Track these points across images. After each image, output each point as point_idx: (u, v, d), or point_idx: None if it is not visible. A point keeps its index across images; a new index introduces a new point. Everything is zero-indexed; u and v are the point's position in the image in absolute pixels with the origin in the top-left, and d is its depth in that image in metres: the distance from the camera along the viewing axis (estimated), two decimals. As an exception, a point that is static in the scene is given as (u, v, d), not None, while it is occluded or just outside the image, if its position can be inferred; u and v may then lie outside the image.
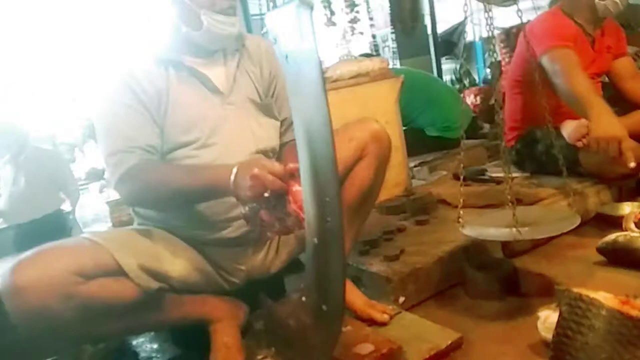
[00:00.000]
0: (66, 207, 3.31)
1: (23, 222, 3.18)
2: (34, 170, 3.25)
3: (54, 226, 3.25)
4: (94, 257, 1.04)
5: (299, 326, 1.03)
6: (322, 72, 0.77)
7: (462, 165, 1.51)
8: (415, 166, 2.83)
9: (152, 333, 1.37)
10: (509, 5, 2.88)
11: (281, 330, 1.13)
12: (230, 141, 1.21)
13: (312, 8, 0.75)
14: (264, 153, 1.27)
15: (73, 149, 8.31)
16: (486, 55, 9.23)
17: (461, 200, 1.46)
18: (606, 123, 1.66)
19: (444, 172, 2.58)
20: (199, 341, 1.22)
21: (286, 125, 1.34)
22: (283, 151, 1.33)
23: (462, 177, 1.51)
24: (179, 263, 1.17)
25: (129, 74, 1.15)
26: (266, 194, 0.97)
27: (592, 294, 0.93)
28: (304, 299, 0.98)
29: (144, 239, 1.15)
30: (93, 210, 1.71)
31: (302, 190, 0.89)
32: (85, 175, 5.52)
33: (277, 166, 0.98)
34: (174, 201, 1.13)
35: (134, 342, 1.34)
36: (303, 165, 0.85)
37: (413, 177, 2.60)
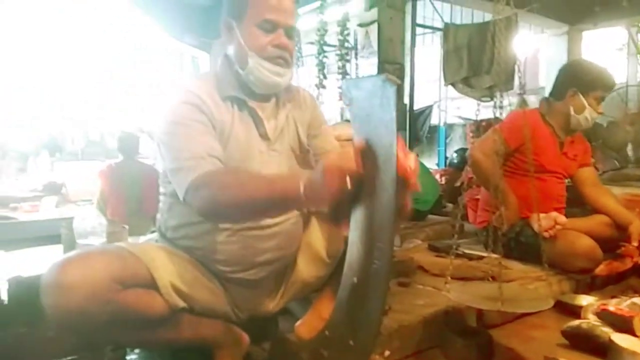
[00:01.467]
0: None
1: None
2: None
3: None
4: (132, 268, 1.10)
5: (314, 359, 1.10)
6: (395, 138, 0.91)
7: (455, 235, 1.66)
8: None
9: (147, 352, 1.38)
10: (486, 101, 3.21)
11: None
12: None
13: (397, 85, 0.90)
14: None
15: (26, 159, 8.01)
16: (448, 139, 9.87)
17: (450, 268, 1.61)
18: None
19: (419, 241, 2.75)
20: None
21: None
22: None
23: (454, 248, 1.66)
24: (202, 289, 1.23)
25: (200, 100, 1.21)
26: (348, 184, 0.90)
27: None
28: (327, 332, 1.07)
29: (176, 259, 1.21)
30: (90, 223, 1.73)
31: (351, 233, 1.00)
32: (42, 187, 5.34)
33: (348, 161, 0.92)
34: (248, 209, 1.08)
35: (128, 358, 1.35)
36: (359, 211, 0.97)
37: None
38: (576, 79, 2.30)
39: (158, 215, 1.36)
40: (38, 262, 2.05)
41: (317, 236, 1.40)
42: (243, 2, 1.25)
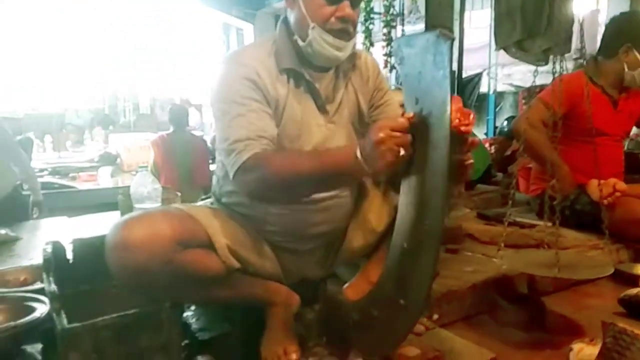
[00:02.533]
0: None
1: None
2: None
3: (15, 206, 2.98)
4: (191, 229, 1.14)
5: (365, 318, 1.11)
6: (449, 95, 0.88)
7: (510, 202, 1.62)
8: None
9: (202, 308, 1.44)
10: (541, 65, 3.07)
11: (338, 322, 1.22)
12: None
13: (452, 40, 0.87)
14: None
15: (82, 131, 8.39)
16: (498, 108, 9.54)
17: (504, 235, 1.57)
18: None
19: (467, 210, 2.70)
20: (247, 320, 1.31)
21: None
22: None
23: (508, 214, 1.62)
24: (255, 253, 1.26)
25: (257, 74, 1.18)
26: (402, 153, 0.93)
27: (637, 331, 1.04)
28: (376, 294, 1.08)
29: (231, 222, 1.24)
30: (146, 189, 1.81)
31: (402, 196, 0.99)
32: (99, 158, 5.58)
33: (398, 121, 0.94)
34: (301, 187, 1.13)
35: (185, 314, 1.41)
36: (410, 170, 0.96)
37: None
38: (629, 34, 2.15)
39: (214, 180, 1.39)
40: (98, 226, 2.15)
41: (368, 207, 1.39)
42: None
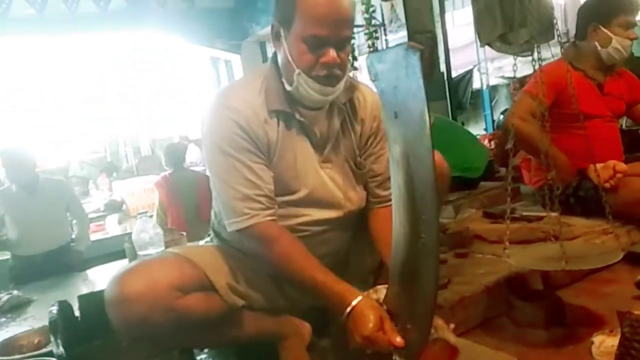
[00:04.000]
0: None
1: (37, 254, 3.07)
2: (51, 200, 3.16)
3: (67, 257, 3.18)
4: (189, 273, 1.13)
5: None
6: (427, 105, 0.88)
7: (508, 200, 1.60)
8: (439, 205, 2.93)
9: (216, 349, 1.43)
10: (526, 56, 3.07)
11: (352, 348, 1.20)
12: (324, 202, 1.24)
13: (420, 51, 0.87)
14: (352, 213, 1.30)
15: (87, 182, 8.44)
16: (493, 102, 9.54)
17: (507, 232, 1.55)
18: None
19: (473, 210, 2.68)
20: (264, 356, 1.29)
21: (379, 182, 1.30)
22: (373, 217, 1.31)
23: (508, 211, 1.60)
24: (258, 287, 1.25)
25: (245, 123, 1.15)
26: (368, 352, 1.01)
27: (654, 317, 1.01)
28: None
29: (231, 259, 1.23)
30: (148, 234, 1.81)
31: (394, 213, 0.98)
32: (104, 207, 5.61)
33: (394, 335, 0.98)
34: (285, 279, 1.19)
35: (198, 358, 1.40)
36: (398, 186, 0.95)
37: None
38: (593, 13, 2.17)
39: (212, 214, 1.38)
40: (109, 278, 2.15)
41: (372, 226, 1.34)
42: (290, 9, 1.12)
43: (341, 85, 1.18)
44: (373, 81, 0.99)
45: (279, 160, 1.20)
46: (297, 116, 1.21)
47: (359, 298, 1.03)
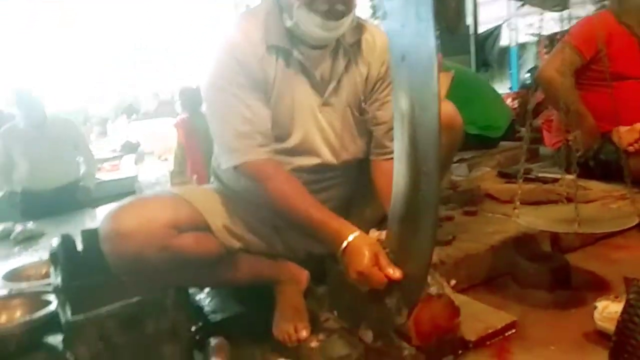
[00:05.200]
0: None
1: (46, 189, 3.19)
2: (59, 138, 3.26)
3: (76, 194, 3.31)
4: (185, 212, 1.11)
5: (373, 289, 1.08)
6: (436, 48, 0.81)
7: (523, 159, 1.54)
8: (454, 162, 2.86)
9: (214, 291, 1.44)
10: (559, 10, 2.90)
11: (348, 295, 1.19)
12: (319, 149, 1.20)
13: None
14: (349, 163, 1.26)
15: (105, 122, 8.52)
16: (521, 60, 9.18)
17: (519, 192, 1.50)
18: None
19: (487, 169, 2.61)
20: (259, 300, 1.29)
21: (384, 130, 1.24)
22: (376, 169, 1.27)
23: (521, 171, 1.54)
24: (256, 231, 1.23)
25: (242, 56, 1.11)
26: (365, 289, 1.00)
27: (662, 284, 0.97)
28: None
29: (230, 202, 1.21)
30: (154, 175, 1.80)
31: (395, 163, 0.94)
32: (120, 147, 5.66)
33: (379, 277, 0.97)
34: (281, 217, 1.14)
35: (197, 297, 1.41)
36: (401, 137, 0.90)
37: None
38: None
39: (213, 158, 1.36)
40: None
41: (375, 178, 1.30)
42: None
43: (346, 21, 1.11)
44: (382, 20, 0.92)
45: (275, 100, 1.16)
46: (296, 54, 1.15)
47: (356, 233, 1.02)
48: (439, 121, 0.82)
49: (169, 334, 1.15)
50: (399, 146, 0.91)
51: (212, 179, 1.37)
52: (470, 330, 1.20)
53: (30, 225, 2.68)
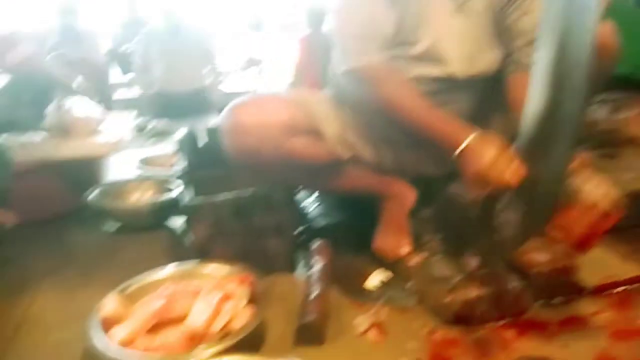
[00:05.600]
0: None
1: (177, 92, 3.39)
2: (192, 46, 3.42)
3: (202, 101, 3.46)
4: (301, 116, 1.11)
5: (487, 216, 1.02)
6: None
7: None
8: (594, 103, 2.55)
9: (320, 197, 1.47)
10: None
11: (456, 219, 1.14)
12: (448, 57, 1.10)
13: None
14: (480, 76, 1.14)
15: (232, 37, 8.79)
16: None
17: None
18: None
19: (636, 112, 2.29)
20: (363, 212, 1.29)
21: (524, 42, 1.09)
22: (512, 85, 1.13)
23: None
24: (369, 144, 1.20)
25: None
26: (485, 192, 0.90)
27: None
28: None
29: (345, 110, 1.18)
30: (275, 89, 1.84)
31: (534, 76, 0.83)
32: (244, 62, 5.86)
33: (518, 169, 0.86)
34: (400, 125, 1.07)
35: (304, 202, 1.45)
36: (546, 46, 0.79)
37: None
38: None
39: (330, 67, 1.33)
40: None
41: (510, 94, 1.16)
42: None
43: None
44: None
45: (405, 2, 1.07)
46: None
47: (476, 134, 0.94)
48: (594, 30, 0.70)
49: (276, 229, 1.20)
50: (542, 56, 0.80)
51: (328, 87, 1.34)
52: (590, 276, 1.10)
53: (162, 122, 2.93)
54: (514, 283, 1.01)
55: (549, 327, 0.98)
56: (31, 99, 1.71)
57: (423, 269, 1.09)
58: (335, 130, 1.14)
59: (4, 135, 1.45)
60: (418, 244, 1.19)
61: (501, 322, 0.98)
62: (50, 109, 1.62)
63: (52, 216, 1.59)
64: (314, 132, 1.13)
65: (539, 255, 1.08)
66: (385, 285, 1.13)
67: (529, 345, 0.93)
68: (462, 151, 0.93)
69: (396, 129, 1.19)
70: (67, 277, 1.27)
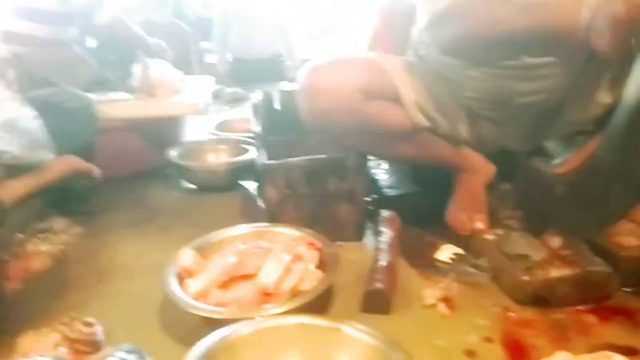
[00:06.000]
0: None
1: (253, 59, 3.47)
2: (269, 13, 3.45)
3: (278, 68, 3.50)
4: (379, 81, 1.08)
5: (572, 193, 0.95)
6: None
7: None
8: None
9: (392, 167, 1.44)
10: None
11: (539, 196, 1.08)
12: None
13: None
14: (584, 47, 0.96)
15: (307, 5, 8.75)
16: None
17: None
18: None
19: None
20: (435, 185, 1.25)
21: None
22: None
23: None
24: (447, 114, 1.15)
25: None
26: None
27: None
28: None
29: (425, 78, 1.13)
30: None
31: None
32: (319, 30, 5.84)
33: None
34: (501, 47, 0.98)
35: (375, 171, 1.43)
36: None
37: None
38: None
39: (414, 30, 1.27)
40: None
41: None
42: None
43: None
44: None
45: None
46: None
47: None
48: None
49: (347, 196, 1.19)
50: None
51: (409, 52, 1.29)
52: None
53: (238, 88, 2.99)
54: (599, 266, 0.94)
55: (636, 316, 0.91)
56: (117, 59, 1.80)
57: (499, 245, 1.04)
58: (414, 97, 1.10)
59: (92, 94, 1.53)
60: (495, 220, 1.14)
61: (582, 307, 0.93)
62: (135, 69, 1.69)
63: (135, 173, 1.68)
64: (391, 98, 1.09)
65: (628, 239, 1.00)
66: (456, 259, 1.09)
67: (612, 332, 0.87)
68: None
69: (479, 99, 1.13)
70: (147, 231, 1.34)
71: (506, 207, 1.17)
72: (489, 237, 1.08)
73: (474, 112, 1.17)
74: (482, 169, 1.20)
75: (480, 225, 1.13)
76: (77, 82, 1.54)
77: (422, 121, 1.12)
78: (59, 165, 1.17)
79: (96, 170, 1.30)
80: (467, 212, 1.16)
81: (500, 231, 1.09)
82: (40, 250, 1.12)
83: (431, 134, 1.16)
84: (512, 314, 0.93)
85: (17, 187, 1.08)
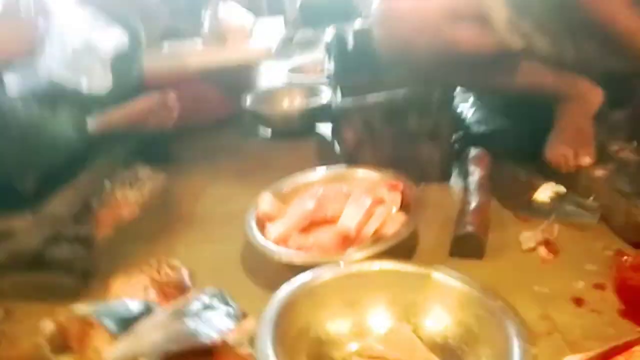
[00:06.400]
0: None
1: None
2: None
3: (349, 6, 3.33)
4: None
5: None
6: None
7: None
8: None
9: (479, 102, 1.31)
10: None
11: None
12: None
13: None
14: None
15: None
16: None
17: None
18: None
19: None
20: (530, 118, 1.12)
21: None
22: None
23: None
24: (550, 33, 1.00)
25: None
26: None
27: None
28: None
29: None
30: None
31: None
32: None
33: None
34: None
35: (461, 106, 1.32)
36: None
37: None
38: None
39: None
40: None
41: None
42: None
43: None
44: None
45: None
46: None
47: None
48: None
49: (430, 134, 1.11)
50: None
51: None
52: None
53: (309, 30, 2.92)
54: None
55: None
56: (187, 6, 1.77)
57: (610, 182, 0.91)
58: (507, 16, 0.96)
59: (165, 43, 1.52)
60: (604, 154, 1.00)
61: None
62: (206, 16, 1.66)
63: (212, 122, 1.68)
64: (480, 19, 0.96)
65: None
66: (558, 199, 0.98)
67: None
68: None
69: (581, 12, 0.97)
70: (227, 178, 1.34)
71: (618, 138, 1.03)
72: (598, 172, 0.95)
73: (581, 28, 1.01)
74: (589, 96, 1.06)
75: (587, 160, 1.00)
76: (150, 32, 1.53)
77: (517, 43, 0.99)
78: (142, 102, 1.18)
79: (175, 111, 1.28)
80: (572, 145, 1.03)
81: (611, 166, 0.96)
82: (128, 198, 1.15)
83: (528, 57, 1.02)
84: (627, 258, 0.82)
85: (110, 117, 1.09)
